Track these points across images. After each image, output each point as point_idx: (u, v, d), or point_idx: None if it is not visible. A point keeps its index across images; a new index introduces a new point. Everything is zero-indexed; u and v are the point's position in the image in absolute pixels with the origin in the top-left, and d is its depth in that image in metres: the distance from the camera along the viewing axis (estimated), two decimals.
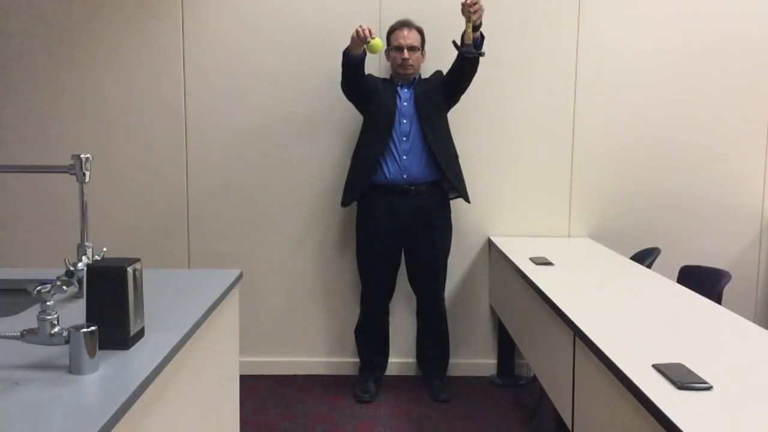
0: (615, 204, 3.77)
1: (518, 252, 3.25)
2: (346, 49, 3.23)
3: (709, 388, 1.58)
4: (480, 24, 3.11)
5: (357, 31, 3.11)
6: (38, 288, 1.42)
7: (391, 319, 3.69)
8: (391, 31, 3.45)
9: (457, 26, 3.25)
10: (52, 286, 1.45)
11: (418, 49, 3.43)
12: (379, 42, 3.13)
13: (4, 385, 1.29)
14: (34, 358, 1.42)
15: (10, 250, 3.76)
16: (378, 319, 3.63)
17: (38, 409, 1.19)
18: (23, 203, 3.75)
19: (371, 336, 3.65)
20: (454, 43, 3.14)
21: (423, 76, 3.53)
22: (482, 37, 3.18)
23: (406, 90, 3.46)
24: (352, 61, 3.24)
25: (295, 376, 3.80)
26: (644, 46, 3.68)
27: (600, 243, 3.62)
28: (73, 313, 1.72)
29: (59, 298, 1.83)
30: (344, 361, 3.82)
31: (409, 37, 3.41)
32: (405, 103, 3.43)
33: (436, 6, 3.61)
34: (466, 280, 3.81)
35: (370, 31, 3.10)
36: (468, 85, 3.38)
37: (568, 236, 3.79)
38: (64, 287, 1.58)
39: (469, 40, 3.07)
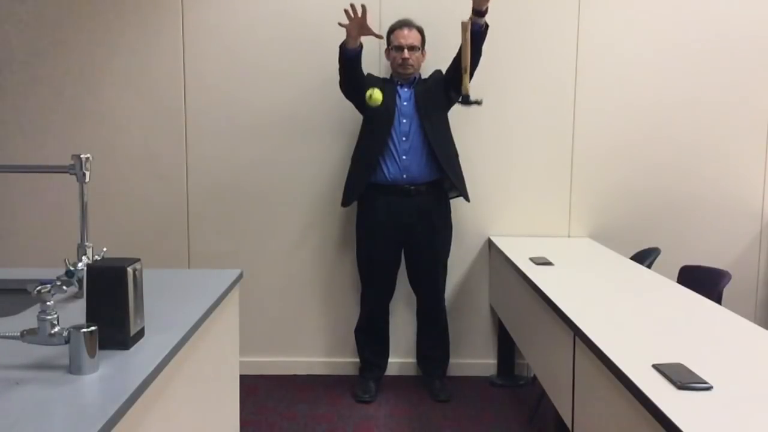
0: (615, 204, 3.77)
1: (518, 252, 3.25)
2: (343, 43, 3.24)
3: (709, 388, 1.58)
4: (486, 10, 3.11)
5: (346, 11, 3.12)
6: (38, 288, 1.42)
7: (391, 319, 3.69)
8: (391, 31, 3.45)
9: (457, 26, 3.26)
10: (52, 286, 1.45)
11: (419, 48, 3.43)
12: (379, 95, 3.19)
13: (4, 385, 1.29)
14: (34, 358, 1.42)
15: (10, 250, 3.76)
16: (378, 319, 3.63)
17: (38, 409, 1.19)
18: (23, 203, 3.75)
19: (371, 336, 3.65)
20: (453, 93, 3.23)
21: (423, 76, 3.53)
22: (486, 26, 3.19)
23: (406, 89, 3.46)
24: (349, 55, 3.24)
25: (295, 376, 3.80)
26: (644, 46, 3.68)
27: (600, 243, 3.62)
28: (73, 313, 1.71)
29: (59, 298, 1.83)
30: (344, 361, 3.82)
31: (409, 37, 3.41)
32: (405, 103, 3.43)
33: (436, 6, 3.61)
34: (466, 280, 3.81)
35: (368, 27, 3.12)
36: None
37: (568, 236, 3.79)
38: (64, 287, 1.59)
39: (466, 91, 3.12)
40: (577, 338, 2.11)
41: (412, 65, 3.42)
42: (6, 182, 3.72)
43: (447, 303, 3.67)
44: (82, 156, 1.92)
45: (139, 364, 1.41)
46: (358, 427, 3.19)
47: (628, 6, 3.67)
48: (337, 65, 3.32)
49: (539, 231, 3.76)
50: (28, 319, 1.62)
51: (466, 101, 3.15)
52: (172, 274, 2.27)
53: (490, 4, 3.14)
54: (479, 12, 3.12)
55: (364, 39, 3.26)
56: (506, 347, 3.73)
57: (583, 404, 2.10)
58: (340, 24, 3.16)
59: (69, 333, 1.36)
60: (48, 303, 1.42)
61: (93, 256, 1.92)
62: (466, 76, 3.13)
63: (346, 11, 3.13)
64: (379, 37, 3.31)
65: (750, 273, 3.80)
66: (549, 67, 3.69)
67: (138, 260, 1.54)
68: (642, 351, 1.84)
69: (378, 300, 3.58)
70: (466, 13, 3.19)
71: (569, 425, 2.21)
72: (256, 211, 3.76)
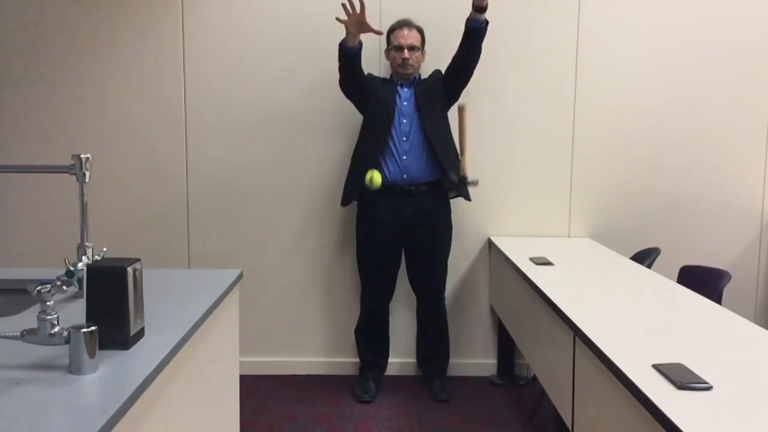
0: (615, 204, 3.77)
1: (518, 252, 3.25)
2: (342, 41, 3.24)
3: (709, 388, 1.58)
4: (486, 6, 3.13)
5: (343, 5, 3.12)
6: (38, 288, 1.42)
7: (391, 319, 3.69)
8: (391, 31, 3.45)
9: (457, 26, 3.27)
10: (52, 286, 1.45)
11: (419, 48, 3.43)
12: (378, 178, 3.21)
13: (4, 385, 1.28)
14: (34, 358, 1.42)
15: (10, 250, 3.76)
16: (378, 319, 3.63)
17: (38, 409, 1.19)
18: (23, 203, 3.75)
19: (371, 336, 3.64)
20: (453, 183, 3.34)
21: (423, 76, 3.53)
22: (487, 22, 3.20)
23: (406, 89, 3.46)
24: (349, 53, 3.24)
25: (295, 376, 3.80)
26: (644, 46, 3.68)
27: (600, 243, 3.62)
28: (73, 313, 1.71)
29: (59, 298, 1.83)
30: (344, 361, 3.82)
31: (409, 37, 3.41)
32: (405, 103, 3.43)
33: (436, 6, 3.61)
34: (466, 280, 3.81)
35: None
36: (470, 75, 3.37)
37: (568, 236, 3.79)
38: (64, 287, 1.59)
39: (463, 173, 3.23)
40: (577, 338, 2.11)
41: (412, 65, 3.42)
42: (6, 182, 3.72)
43: (447, 303, 3.67)
44: (82, 156, 1.92)
45: (139, 364, 1.41)
46: (358, 427, 3.19)
47: (628, 6, 3.67)
48: (337, 64, 3.32)
49: (539, 231, 3.76)
50: (28, 319, 1.62)
51: (464, 182, 3.28)
52: (172, 274, 2.27)
53: (490, 2, 3.14)
54: (479, 8, 3.13)
55: (364, 38, 3.26)
56: (506, 347, 3.73)
57: (583, 404, 2.10)
58: (338, 19, 3.16)
59: (69, 333, 1.36)
60: (48, 303, 1.42)
61: (93, 256, 1.92)
62: (464, 158, 3.22)
63: (343, 5, 3.13)
64: (379, 33, 3.31)
65: (750, 273, 3.80)
66: (549, 67, 3.69)
67: (138, 260, 1.54)
68: (642, 351, 1.84)
69: (378, 300, 3.58)
70: (466, 13, 3.20)
71: (569, 425, 2.21)
72: (256, 211, 3.76)
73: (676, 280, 2.90)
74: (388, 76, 3.56)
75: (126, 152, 3.73)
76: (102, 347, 1.39)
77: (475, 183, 3.33)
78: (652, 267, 3.16)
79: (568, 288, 2.62)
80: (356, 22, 3.16)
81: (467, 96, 3.46)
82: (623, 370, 1.69)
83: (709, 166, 3.76)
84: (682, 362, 1.72)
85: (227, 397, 2.26)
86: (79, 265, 1.85)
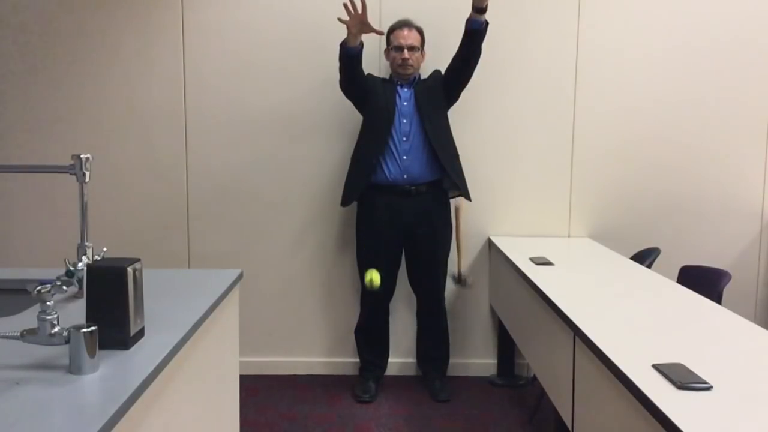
0: (615, 204, 3.77)
1: (518, 252, 3.25)
2: (343, 41, 3.24)
3: (709, 388, 1.58)
4: (486, 7, 3.14)
5: (345, 5, 3.13)
6: (38, 288, 1.42)
7: (391, 319, 3.69)
8: (391, 31, 3.45)
9: (457, 26, 3.26)
10: (52, 286, 1.45)
11: (418, 49, 3.44)
12: (377, 278, 3.21)
13: (4, 385, 1.28)
14: (34, 358, 1.42)
15: (10, 250, 3.76)
16: (378, 319, 3.63)
17: (38, 409, 1.19)
18: (23, 203, 3.76)
19: (371, 336, 3.65)
20: (453, 278, 3.49)
21: (423, 76, 3.53)
22: (487, 23, 3.20)
23: (406, 89, 3.46)
24: (350, 53, 3.25)
25: (295, 376, 3.80)
26: (644, 46, 3.68)
27: (600, 243, 3.62)
28: (73, 313, 1.71)
29: (59, 298, 1.83)
30: (344, 361, 3.82)
31: (409, 37, 3.41)
32: (405, 103, 3.43)
33: (436, 6, 3.61)
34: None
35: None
36: (470, 76, 3.37)
37: (568, 236, 3.79)
38: (64, 287, 1.58)
39: (459, 271, 3.34)
40: (577, 338, 2.11)
41: (411, 65, 3.41)
42: (6, 182, 3.72)
43: (447, 303, 3.67)
44: (82, 156, 1.92)
45: (139, 364, 1.41)
46: (358, 427, 3.19)
47: (628, 6, 3.67)
48: (337, 64, 3.32)
49: (539, 231, 3.76)
50: (28, 319, 1.62)
51: (459, 281, 3.41)
52: (172, 274, 2.27)
53: (490, 3, 3.15)
54: (479, 9, 3.14)
55: (364, 38, 3.26)
56: (506, 347, 3.73)
57: (583, 404, 2.10)
58: (340, 20, 3.16)
59: (69, 333, 1.36)
60: (48, 303, 1.42)
61: (93, 256, 1.92)
62: (460, 258, 3.32)
63: (345, 5, 3.13)
64: (381, 33, 3.31)
65: (750, 273, 3.80)
66: (549, 67, 3.69)
67: (138, 260, 1.54)
68: (642, 351, 1.84)
69: (378, 300, 3.58)
70: (466, 13, 3.20)
71: (569, 425, 2.21)
72: (256, 211, 3.76)
73: (676, 280, 2.90)
74: (387, 76, 3.56)
75: (126, 152, 3.73)
76: (102, 347, 1.39)
77: (470, 284, 3.53)
78: (652, 267, 3.16)
79: (568, 288, 2.62)
80: (358, 23, 3.16)
81: (468, 96, 3.46)
82: (623, 370, 1.69)
83: (709, 166, 3.76)
84: (682, 362, 1.72)
85: (227, 397, 2.26)
86: (79, 265, 1.85)
